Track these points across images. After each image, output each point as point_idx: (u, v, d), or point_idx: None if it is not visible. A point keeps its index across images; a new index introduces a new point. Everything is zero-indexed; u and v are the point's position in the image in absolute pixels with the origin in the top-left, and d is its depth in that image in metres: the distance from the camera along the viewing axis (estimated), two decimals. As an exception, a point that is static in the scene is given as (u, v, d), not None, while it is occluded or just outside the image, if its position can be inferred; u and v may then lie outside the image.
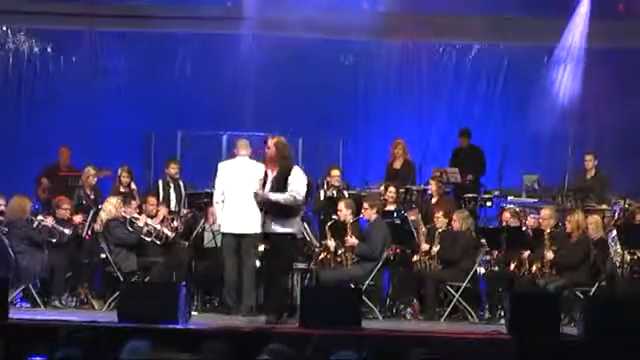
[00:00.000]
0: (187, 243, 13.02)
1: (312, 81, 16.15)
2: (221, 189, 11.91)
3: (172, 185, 14.01)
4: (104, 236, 12.59)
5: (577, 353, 9.28)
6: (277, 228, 10.66)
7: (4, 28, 16.79)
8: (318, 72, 16.17)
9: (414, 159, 15.05)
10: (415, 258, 12.80)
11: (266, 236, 10.81)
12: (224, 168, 12.04)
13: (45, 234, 12.58)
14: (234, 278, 11.74)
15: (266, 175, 10.80)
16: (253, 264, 11.88)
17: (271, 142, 10.76)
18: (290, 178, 10.64)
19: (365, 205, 12.64)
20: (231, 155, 12.60)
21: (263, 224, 10.73)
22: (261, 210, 10.74)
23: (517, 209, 13.75)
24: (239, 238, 11.74)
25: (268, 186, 10.69)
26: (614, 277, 12.13)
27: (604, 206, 13.77)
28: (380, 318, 12.18)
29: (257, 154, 12.08)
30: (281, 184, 10.63)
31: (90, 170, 13.72)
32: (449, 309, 12.30)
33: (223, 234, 11.94)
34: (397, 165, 14.98)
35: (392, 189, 13.76)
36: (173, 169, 14.10)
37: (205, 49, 16.43)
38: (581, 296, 11.38)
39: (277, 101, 16.07)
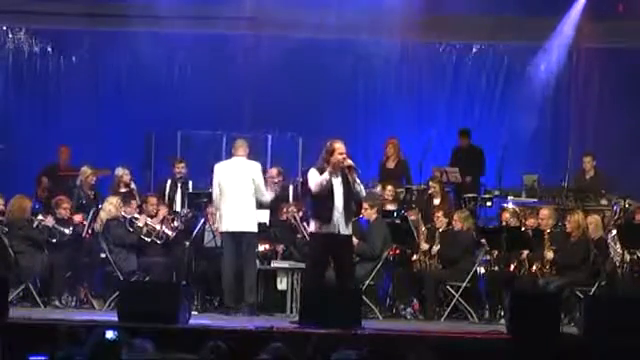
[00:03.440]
0: (187, 243, 13.02)
1: (312, 81, 16.14)
2: (218, 190, 11.96)
3: (179, 185, 14.05)
4: (104, 236, 12.59)
5: (577, 353, 9.27)
6: (349, 230, 10.83)
7: (4, 28, 16.80)
8: (318, 72, 16.16)
9: (414, 159, 15.05)
10: (415, 258, 12.80)
11: (339, 237, 10.74)
12: (220, 169, 12.10)
13: (45, 234, 12.58)
14: (232, 277, 11.78)
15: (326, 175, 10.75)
16: (254, 263, 11.93)
17: (344, 148, 10.72)
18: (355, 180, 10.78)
19: (365, 205, 12.63)
20: (228, 155, 12.65)
21: (344, 226, 10.72)
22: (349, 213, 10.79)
23: (517, 209, 13.74)
24: (238, 236, 11.79)
25: (341, 190, 10.68)
26: (614, 277, 12.14)
27: (604, 206, 13.77)
28: (380, 318, 12.19)
29: (256, 154, 12.28)
30: (349, 186, 10.72)
31: (86, 170, 13.71)
32: (449, 309, 12.30)
33: (221, 234, 11.98)
34: (391, 165, 15.01)
35: (390, 188, 13.77)
36: (177, 168, 14.15)
37: (205, 49, 16.43)
38: (581, 296, 11.38)
39: (277, 101, 16.06)
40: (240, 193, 11.87)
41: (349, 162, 10.68)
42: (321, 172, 10.75)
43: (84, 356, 6.03)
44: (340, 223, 10.66)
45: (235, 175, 11.95)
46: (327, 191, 10.68)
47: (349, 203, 10.75)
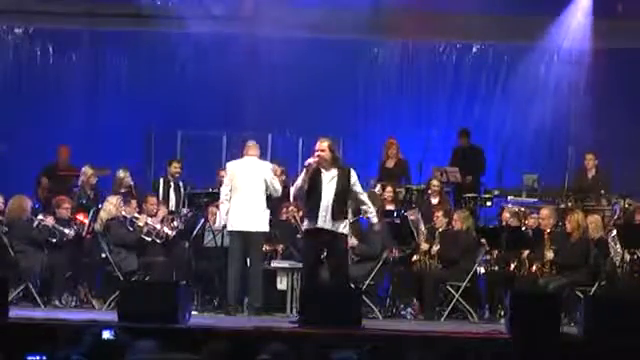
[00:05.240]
0: (187, 243, 13.02)
1: (312, 81, 16.13)
2: (229, 188, 11.97)
3: (172, 184, 14.03)
4: (104, 236, 12.59)
5: (577, 353, 9.27)
6: (342, 228, 10.78)
7: (4, 27, 16.79)
8: (318, 72, 16.15)
9: (414, 159, 15.06)
10: (415, 258, 12.80)
11: (327, 234, 10.73)
12: (233, 167, 12.11)
13: (45, 234, 12.57)
14: (237, 277, 11.79)
15: (315, 175, 10.77)
16: (260, 263, 11.94)
17: (324, 145, 10.74)
18: (352, 179, 10.79)
19: (365, 205, 12.62)
20: (228, 155, 12.68)
21: (334, 223, 10.70)
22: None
23: (517, 209, 13.75)
24: (245, 236, 11.80)
25: (332, 186, 10.69)
26: (614, 277, 12.13)
27: (604, 205, 13.77)
28: (380, 318, 12.19)
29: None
30: (346, 185, 10.73)
31: (88, 170, 13.72)
32: (449, 309, 12.30)
33: (229, 232, 11.98)
34: (390, 164, 15.01)
35: (389, 188, 13.78)
36: (175, 168, 14.13)
37: (205, 49, 16.42)
38: (581, 296, 11.37)
39: (277, 101, 16.06)
40: (252, 192, 11.90)
41: (308, 161, 10.75)
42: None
43: (82, 356, 6.02)
44: (328, 220, 10.66)
45: (248, 174, 11.99)
46: (316, 189, 10.70)
47: (339, 200, 10.72)
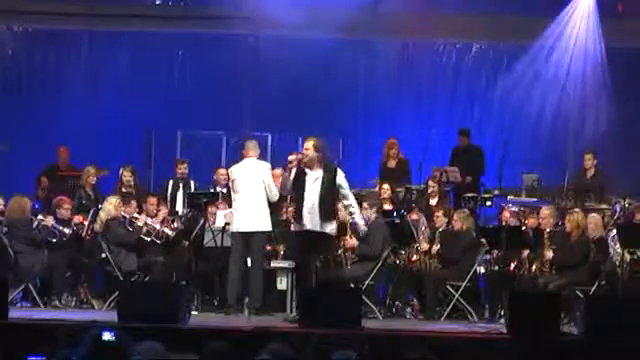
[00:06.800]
0: (187, 243, 13.02)
1: (312, 80, 16.13)
2: (232, 191, 12.04)
3: (180, 185, 14.07)
4: (104, 236, 12.60)
5: (577, 353, 9.28)
6: (328, 229, 10.82)
7: (4, 27, 16.79)
8: (318, 72, 16.16)
9: (413, 158, 15.06)
10: (415, 258, 12.80)
11: (314, 235, 10.78)
12: (234, 171, 12.15)
13: (45, 234, 12.57)
14: (237, 276, 11.79)
15: (301, 174, 10.77)
16: (261, 263, 11.95)
17: (309, 144, 10.79)
18: (339, 179, 10.85)
19: (365, 205, 12.62)
20: (229, 155, 12.69)
21: (318, 223, 10.74)
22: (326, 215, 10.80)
23: (517, 209, 13.74)
24: (247, 237, 11.82)
25: (317, 187, 10.72)
26: (614, 276, 12.13)
27: (604, 205, 13.77)
28: (380, 318, 12.18)
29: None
30: (332, 184, 10.77)
31: (90, 170, 13.76)
32: (449, 309, 12.29)
33: (232, 233, 11.99)
34: (392, 164, 15.01)
35: (386, 187, 13.79)
36: (180, 169, 14.17)
37: (205, 49, 16.43)
38: (581, 296, 11.37)
39: (277, 101, 16.07)
40: (252, 193, 11.91)
41: (290, 158, 10.86)
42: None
43: (81, 357, 6.01)
44: (315, 221, 10.67)
45: (247, 176, 12.00)
46: (300, 189, 10.71)
47: (325, 201, 10.73)
